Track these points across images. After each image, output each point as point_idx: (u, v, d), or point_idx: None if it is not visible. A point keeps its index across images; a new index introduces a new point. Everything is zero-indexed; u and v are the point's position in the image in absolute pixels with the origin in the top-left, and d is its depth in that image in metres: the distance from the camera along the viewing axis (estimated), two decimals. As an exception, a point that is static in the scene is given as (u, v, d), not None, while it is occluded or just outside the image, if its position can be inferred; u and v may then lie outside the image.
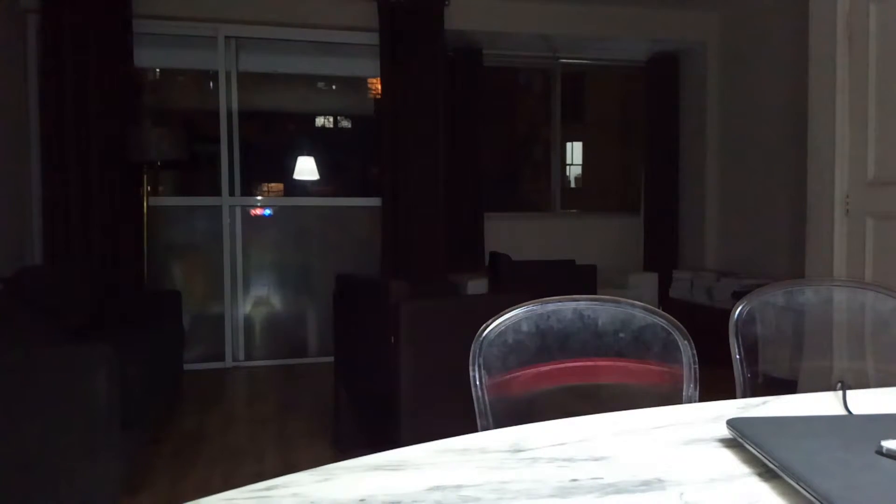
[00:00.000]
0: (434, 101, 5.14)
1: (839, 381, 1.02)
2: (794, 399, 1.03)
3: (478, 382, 1.08)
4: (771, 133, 5.15)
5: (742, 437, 0.79)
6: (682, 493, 0.68)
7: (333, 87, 6.25)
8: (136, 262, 4.62)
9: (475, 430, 0.99)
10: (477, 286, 4.79)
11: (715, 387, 1.42)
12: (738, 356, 1.29)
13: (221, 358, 5.14)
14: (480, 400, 1.08)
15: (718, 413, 0.95)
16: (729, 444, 0.82)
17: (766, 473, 0.73)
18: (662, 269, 5.75)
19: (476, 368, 1.09)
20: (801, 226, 3.62)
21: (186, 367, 4.47)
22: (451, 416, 1.74)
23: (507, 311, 1.14)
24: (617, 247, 6.21)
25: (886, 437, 0.74)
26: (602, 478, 0.73)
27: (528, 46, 5.87)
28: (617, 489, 0.70)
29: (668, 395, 1.17)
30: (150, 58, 5.12)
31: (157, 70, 5.57)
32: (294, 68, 5.73)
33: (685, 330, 1.18)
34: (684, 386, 1.16)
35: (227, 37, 5.08)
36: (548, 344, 1.16)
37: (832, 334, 1.44)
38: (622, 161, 7.41)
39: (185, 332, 4.28)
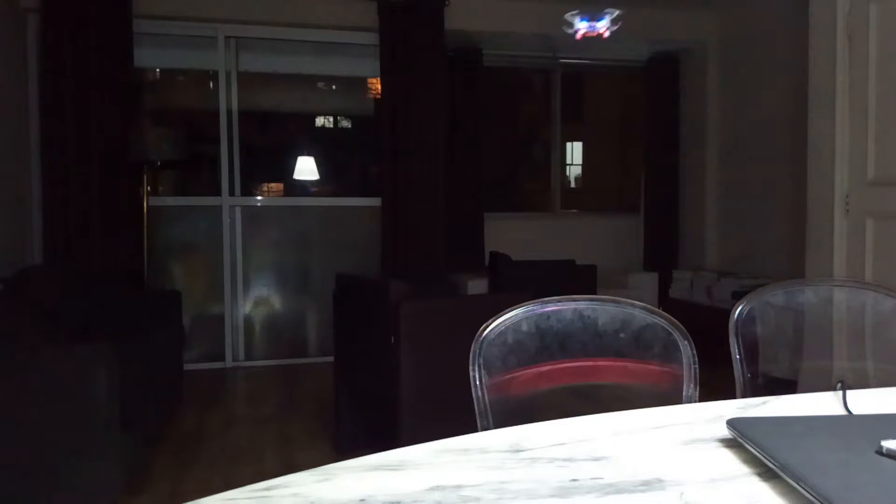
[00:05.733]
0: (434, 101, 5.14)
1: (839, 381, 1.02)
2: (794, 399, 1.03)
3: (478, 382, 1.08)
4: (771, 133, 5.14)
5: (742, 437, 0.79)
6: (682, 493, 0.68)
7: (333, 87, 6.26)
8: (136, 262, 4.62)
9: (475, 430, 0.99)
10: (477, 286, 4.79)
11: (715, 387, 1.42)
12: (738, 356, 1.29)
13: (221, 358, 5.14)
14: (480, 400, 1.08)
15: (718, 413, 0.95)
16: (729, 444, 0.82)
17: (766, 473, 0.73)
18: (662, 269, 5.75)
19: (476, 368, 1.09)
20: (801, 226, 3.62)
21: (186, 367, 4.46)
22: (451, 416, 1.74)
23: (507, 311, 1.14)
24: (617, 247, 6.21)
25: (886, 437, 0.74)
26: (602, 478, 0.73)
27: (528, 46, 5.87)
28: (617, 489, 0.70)
29: (668, 395, 1.17)
30: (150, 58, 5.12)
31: (157, 70, 5.57)
32: (294, 68, 5.73)
33: (685, 330, 1.18)
34: (684, 386, 1.16)
35: (227, 37, 5.08)
36: (548, 344, 1.16)
37: (832, 334, 1.44)
38: (622, 161, 7.41)
39: (185, 332, 4.28)
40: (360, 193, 5.86)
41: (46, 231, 4.50)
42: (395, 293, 2.73)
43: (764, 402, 1.02)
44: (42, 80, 4.52)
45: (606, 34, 2.17)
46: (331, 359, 3.63)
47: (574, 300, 1.18)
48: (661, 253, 6.11)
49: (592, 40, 5.74)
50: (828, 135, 3.26)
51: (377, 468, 0.76)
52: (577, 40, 2.78)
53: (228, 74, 5.10)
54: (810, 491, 0.63)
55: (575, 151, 7.59)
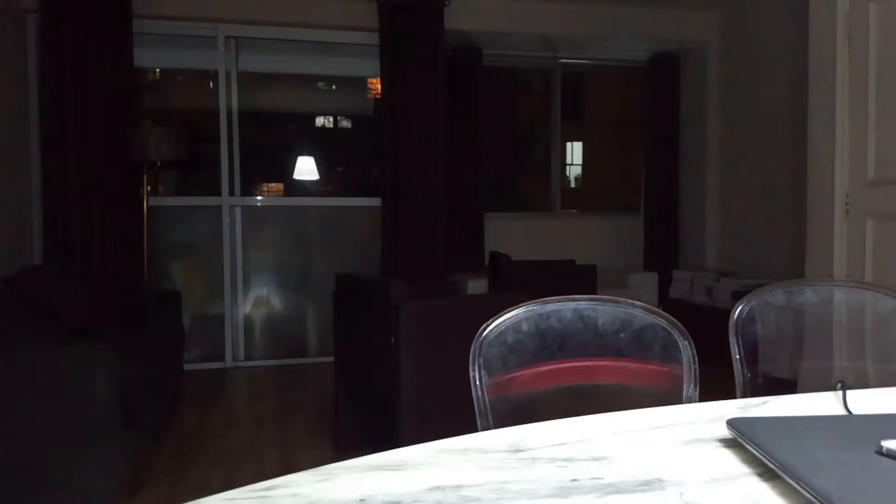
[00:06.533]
0: (434, 101, 5.14)
1: (839, 381, 1.02)
2: (794, 399, 1.03)
3: (478, 382, 1.08)
4: (771, 133, 5.15)
5: (742, 437, 0.79)
6: (682, 493, 0.68)
7: (333, 87, 6.25)
8: (136, 262, 4.62)
9: (475, 430, 0.99)
10: (477, 286, 4.79)
11: (715, 387, 1.42)
12: (738, 356, 1.29)
13: (221, 358, 5.14)
14: (480, 400, 1.08)
15: (718, 413, 0.95)
16: (729, 444, 0.82)
17: (766, 473, 0.73)
18: (662, 269, 5.75)
19: (476, 368, 1.08)
20: (801, 226, 3.62)
21: (186, 367, 4.46)
22: (451, 416, 1.74)
23: (507, 311, 1.14)
24: (617, 247, 6.21)
25: (886, 437, 0.74)
26: (602, 478, 0.73)
27: (528, 46, 5.87)
28: (617, 489, 0.70)
29: (668, 395, 1.17)
30: (150, 58, 5.12)
31: (157, 70, 5.57)
32: (294, 68, 5.73)
33: (685, 330, 1.18)
34: (684, 386, 1.16)
35: (227, 37, 5.08)
36: (548, 344, 1.16)
37: (832, 334, 1.44)
38: (622, 161, 7.41)
39: (185, 332, 4.28)
40: (360, 193, 5.85)
41: (46, 231, 4.50)
42: (395, 293, 2.73)
43: (764, 402, 1.01)
44: (42, 80, 4.52)
45: None
46: (331, 359, 3.63)
47: (574, 300, 1.18)
48: (661, 253, 6.11)
49: (593, 39, 5.75)
50: (828, 135, 3.26)
51: (377, 468, 0.76)
52: None
53: (228, 74, 5.10)
54: (810, 491, 0.63)
55: (575, 151, 7.59)
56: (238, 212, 5.18)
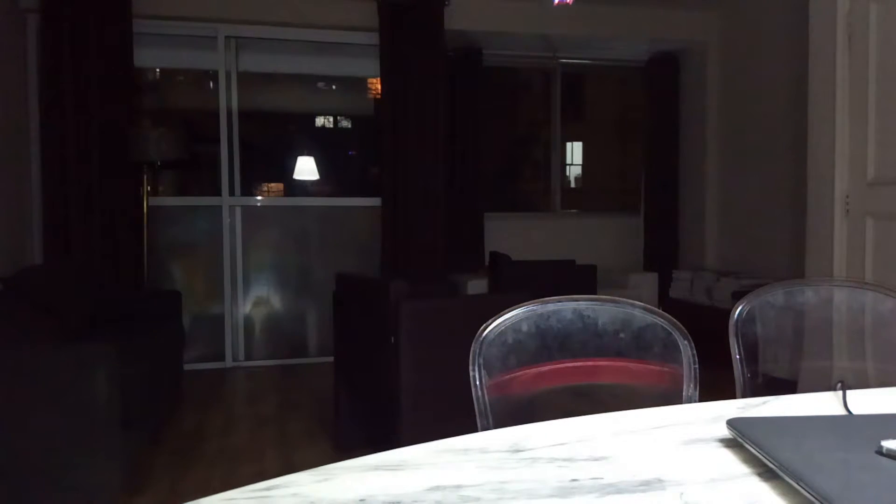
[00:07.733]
0: (434, 101, 5.14)
1: (839, 381, 1.02)
2: (794, 399, 1.03)
3: (478, 382, 1.08)
4: (771, 133, 5.15)
5: (742, 437, 0.78)
6: (682, 493, 0.68)
7: (333, 87, 6.25)
8: (136, 262, 4.62)
9: (475, 430, 0.99)
10: (477, 286, 4.79)
11: (715, 387, 1.42)
12: (738, 356, 1.29)
13: (221, 358, 5.14)
14: (480, 400, 1.08)
15: (718, 413, 0.95)
16: (729, 444, 0.82)
17: (766, 473, 0.73)
18: (662, 269, 5.75)
19: (476, 368, 1.08)
20: (801, 226, 3.62)
21: (186, 367, 4.46)
22: (451, 416, 1.74)
23: (507, 311, 1.14)
24: (617, 247, 6.21)
25: (886, 437, 0.74)
26: (602, 478, 0.73)
27: (528, 46, 5.88)
28: (617, 489, 0.70)
29: (668, 395, 1.17)
30: (150, 58, 5.12)
31: (157, 70, 5.57)
32: (294, 68, 5.74)
33: (685, 330, 1.18)
34: (684, 386, 1.16)
35: (227, 37, 5.08)
36: (548, 344, 1.16)
37: (832, 334, 1.44)
38: (622, 161, 7.41)
39: (185, 332, 4.28)
40: (360, 193, 5.86)
41: (46, 231, 4.50)
42: (395, 293, 2.73)
43: (764, 402, 1.01)
44: (42, 80, 4.52)
45: (570, 1, 2.30)
46: (331, 359, 3.63)
47: (574, 300, 1.18)
48: (661, 253, 6.11)
49: (593, 39, 5.76)
50: (828, 135, 3.26)
51: (377, 468, 0.76)
52: (554, 6, 2.89)
53: (228, 74, 5.10)
54: (810, 491, 0.63)
55: (575, 151, 7.58)
56: (238, 212, 5.18)
